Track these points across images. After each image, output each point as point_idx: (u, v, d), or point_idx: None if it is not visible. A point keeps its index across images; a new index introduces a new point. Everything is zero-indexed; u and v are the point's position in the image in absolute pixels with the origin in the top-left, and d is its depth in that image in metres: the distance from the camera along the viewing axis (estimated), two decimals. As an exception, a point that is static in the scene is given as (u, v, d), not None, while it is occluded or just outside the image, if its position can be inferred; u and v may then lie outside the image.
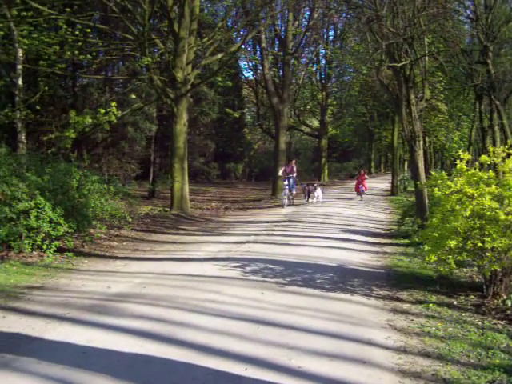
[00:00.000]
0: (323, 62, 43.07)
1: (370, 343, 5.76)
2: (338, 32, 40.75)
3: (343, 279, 8.85)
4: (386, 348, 5.65)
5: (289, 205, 22.63)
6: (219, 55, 21.20)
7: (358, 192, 27.36)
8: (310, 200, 24.21)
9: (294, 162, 23.82)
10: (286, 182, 22.55)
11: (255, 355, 5.29)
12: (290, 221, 17.35)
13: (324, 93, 43.06)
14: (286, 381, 4.73)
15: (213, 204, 24.54)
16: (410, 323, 6.53)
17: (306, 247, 12.05)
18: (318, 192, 24.56)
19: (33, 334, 5.91)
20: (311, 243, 12.62)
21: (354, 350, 5.51)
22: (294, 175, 23.07)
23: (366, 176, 28.04)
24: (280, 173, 23.69)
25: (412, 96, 14.86)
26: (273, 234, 14.21)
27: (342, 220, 17.20)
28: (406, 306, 7.30)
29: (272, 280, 8.70)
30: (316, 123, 49.24)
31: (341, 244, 12.60)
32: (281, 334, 5.92)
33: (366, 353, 5.48)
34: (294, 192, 23.74)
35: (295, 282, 8.55)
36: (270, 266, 9.81)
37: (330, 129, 47.39)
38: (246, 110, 47.43)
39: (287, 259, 10.54)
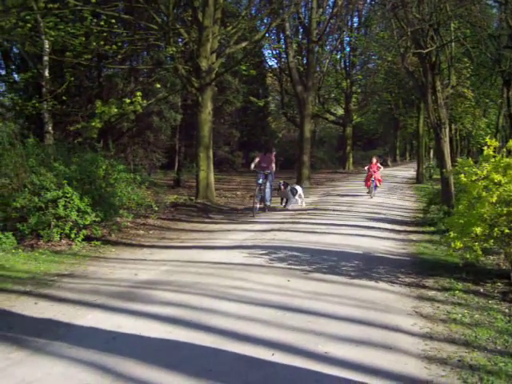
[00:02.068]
0: (348, 49, 42.84)
1: (395, 329, 5.78)
2: (363, 19, 40.49)
3: (369, 266, 8.85)
4: (412, 334, 5.66)
5: (263, 209, 16.96)
6: (243, 44, 21.16)
7: (369, 186, 21.50)
8: (286, 204, 17.96)
9: (273, 151, 18.16)
10: (260, 180, 16.68)
11: (282, 341, 5.34)
12: (315, 209, 17.37)
13: (348, 80, 42.82)
14: (313, 366, 4.77)
15: (238, 192, 24.58)
16: (435, 310, 6.52)
17: (331, 235, 12.05)
18: (296, 190, 18.29)
19: (64, 319, 6.03)
20: (336, 231, 12.62)
21: (379, 336, 5.54)
22: (272, 170, 17.51)
23: (379, 165, 22.24)
24: (252, 166, 17.53)
25: (438, 83, 14.73)
26: (298, 222, 14.23)
27: (367, 208, 17.15)
28: (431, 293, 7.28)
29: (297, 267, 8.74)
30: (340, 111, 49.05)
31: (366, 232, 12.58)
32: (307, 320, 5.97)
33: (392, 339, 5.49)
34: (269, 193, 17.27)
35: (321, 269, 8.57)
36: (296, 254, 9.84)
37: (355, 117, 47.13)
38: (271, 98, 47.30)
39: (312, 247, 10.56)
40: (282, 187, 17.67)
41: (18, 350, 5.14)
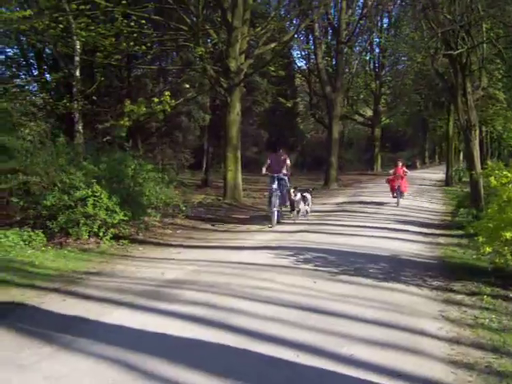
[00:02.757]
0: (377, 50, 42.65)
1: (422, 333, 5.72)
2: (393, 20, 40.22)
3: (396, 269, 8.78)
4: (438, 338, 5.60)
5: (280, 221, 14.51)
6: (272, 45, 21.17)
7: (394, 192, 19.09)
8: (294, 212, 15.22)
9: (282, 151, 15.48)
10: (275, 186, 14.27)
11: (307, 342, 5.32)
12: (343, 210, 17.30)
13: (378, 82, 42.64)
14: (338, 368, 4.75)
15: (265, 193, 24.55)
16: (463, 314, 6.44)
17: (359, 237, 11.99)
18: (307, 198, 15.53)
19: (91, 317, 6.10)
20: (364, 233, 12.55)
21: (405, 340, 5.49)
22: (287, 173, 14.89)
23: (405, 170, 19.77)
24: (264, 170, 14.77)
25: (468, 84, 14.58)
26: (325, 224, 14.19)
27: (395, 210, 17.03)
28: (459, 297, 7.20)
29: (324, 269, 8.71)
30: (369, 112, 48.76)
31: (394, 234, 12.49)
32: (333, 322, 5.94)
33: (418, 343, 5.44)
34: (288, 202, 15.01)
35: (347, 272, 8.53)
36: (323, 255, 9.81)
37: (384, 118, 46.90)
38: (299, 99, 47.19)
39: (339, 248, 10.52)
40: (294, 195, 14.79)
41: (46, 346, 5.21)
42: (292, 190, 14.75)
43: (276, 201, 14.21)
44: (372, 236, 12.09)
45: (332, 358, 4.96)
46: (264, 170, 14.77)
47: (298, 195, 14.92)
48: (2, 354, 5.03)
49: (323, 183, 28.96)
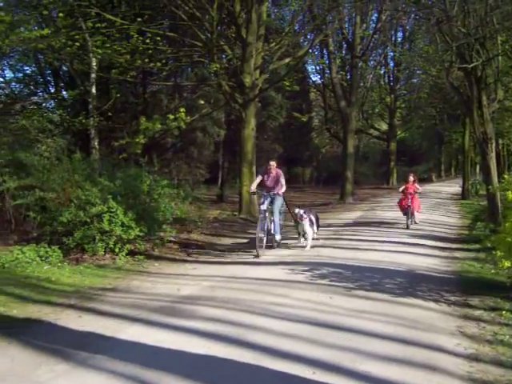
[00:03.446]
0: (391, 64, 42.67)
1: (439, 349, 5.64)
2: (407, 33, 40.19)
3: (412, 284, 8.70)
4: (456, 355, 5.51)
5: (270, 246, 12.56)
6: (287, 60, 21.25)
7: (405, 210, 16.94)
8: (302, 239, 13.05)
9: (273, 164, 12.94)
10: (264, 206, 12.26)
11: (323, 359, 5.27)
12: (359, 225, 17.23)
13: (392, 96, 42.60)
14: (355, 386, 4.70)
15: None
16: (481, 330, 6.35)
17: (375, 251, 11.92)
18: (308, 223, 12.86)
19: (106, 333, 6.09)
20: (380, 247, 12.48)
21: (422, 356, 5.41)
22: (280, 190, 12.58)
23: (417, 186, 17.85)
24: (252, 187, 13.24)
25: (484, 97, 14.51)
26: (341, 238, 14.14)
27: (411, 224, 16.91)
28: (477, 313, 7.10)
29: (340, 284, 8.65)
30: (384, 126, 48.69)
31: (410, 249, 12.41)
32: (349, 338, 5.89)
33: (436, 359, 5.36)
34: (278, 224, 12.51)
35: (363, 287, 8.47)
36: (339, 270, 9.75)
37: (399, 132, 46.81)
38: (314, 113, 47.29)
39: (355, 263, 10.46)
40: (300, 218, 12.72)
41: (62, 363, 5.20)
42: (297, 211, 12.91)
43: (264, 225, 12.15)
44: (388, 250, 12.02)
45: (348, 374, 4.90)
46: (253, 187, 13.06)
47: (306, 218, 12.76)
48: (19, 371, 5.03)
49: (339, 197, 28.91)
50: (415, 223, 17.03)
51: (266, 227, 12.25)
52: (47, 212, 11.28)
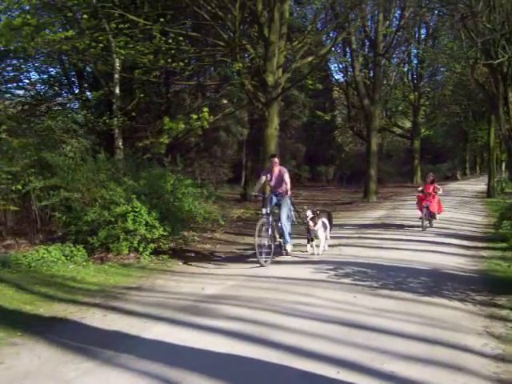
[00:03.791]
0: (415, 61, 42.31)
1: (465, 350, 5.58)
2: (431, 30, 39.87)
3: (437, 283, 8.63)
4: (483, 355, 5.44)
5: (278, 253, 11.39)
6: (309, 58, 21.18)
7: (421, 213, 15.67)
8: (311, 246, 11.67)
9: (276, 161, 11.88)
10: (267, 209, 11.08)
11: (347, 358, 5.25)
12: (382, 223, 17.13)
13: (416, 93, 42.26)
14: (379, 385, 4.68)
15: (304, 207, 24.45)
16: (509, 330, 6.26)
17: (399, 250, 11.86)
18: (320, 227, 11.54)
19: (131, 332, 6.14)
20: (404, 246, 12.40)
21: (448, 356, 5.36)
22: (286, 189, 11.50)
23: (437, 186, 16.39)
24: (256, 189, 12.32)
25: (510, 94, 14.37)
26: (365, 237, 14.07)
27: (436, 223, 16.76)
28: (504, 313, 7.01)
29: (364, 283, 8.61)
30: (408, 124, 48.37)
31: (434, 247, 12.31)
32: (373, 338, 5.86)
33: (462, 359, 5.30)
34: (288, 228, 11.33)
35: (388, 286, 8.42)
36: (363, 269, 9.71)
37: (423, 129, 46.44)
38: (337, 112, 47.14)
39: (379, 262, 10.41)
40: (311, 223, 11.35)
41: (87, 361, 5.25)
42: (308, 213, 11.56)
43: (268, 231, 10.86)
44: (412, 249, 11.93)
45: (373, 374, 4.87)
46: (257, 190, 12.11)
47: (319, 222, 11.52)
48: (45, 369, 5.09)
49: (362, 196, 28.77)
50: (430, 221, 15.98)
51: (270, 233, 10.86)
52: (72, 212, 11.38)
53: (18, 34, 12.64)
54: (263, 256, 10.50)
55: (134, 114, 18.55)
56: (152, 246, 11.07)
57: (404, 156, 54.63)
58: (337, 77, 41.19)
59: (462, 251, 12.02)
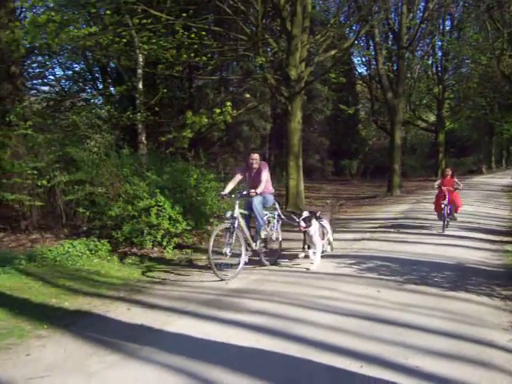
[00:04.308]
0: (439, 54, 41.81)
1: (490, 345, 5.52)
2: (455, 22, 39.37)
3: (462, 278, 8.55)
4: (509, 351, 5.38)
5: (257, 262, 9.91)
6: (332, 52, 21.07)
7: (439, 211, 14.44)
8: (306, 251, 10.02)
9: (256, 156, 10.13)
10: (232, 212, 9.32)
11: (371, 353, 5.23)
12: (406, 217, 17.02)
13: (440, 86, 41.80)
14: (403, 380, 4.63)
15: (328, 201, 24.42)
16: (535, 325, 6.21)
17: (423, 244, 11.77)
18: (316, 232, 9.71)
19: (155, 325, 6.18)
20: (428, 240, 12.31)
21: (473, 352, 5.31)
22: (265, 188, 9.90)
23: (456, 180, 14.94)
24: (227, 189, 9.89)
25: (536, 86, 14.14)
26: (388, 231, 13.99)
27: (460, 217, 16.60)
28: (531, 308, 6.94)
29: (388, 278, 8.57)
30: (432, 117, 47.92)
31: (458, 242, 12.19)
32: (397, 333, 5.83)
33: (487, 355, 5.24)
34: (262, 234, 9.84)
35: (412, 280, 8.37)
36: (386, 264, 9.66)
37: (448, 123, 45.95)
38: (360, 105, 46.86)
39: (403, 257, 10.35)
40: (303, 224, 9.61)
41: (112, 354, 5.31)
42: (305, 214, 9.86)
43: (232, 238, 9.06)
44: (436, 243, 11.85)
45: (397, 369, 4.85)
46: (227, 190, 9.86)
47: (314, 225, 9.67)
48: (70, 361, 5.15)
49: (386, 190, 28.60)
50: (449, 221, 14.49)
51: (233, 240, 9.05)
52: (96, 206, 11.47)
53: (42, 31, 12.75)
54: (223, 268, 8.89)
55: (157, 108, 18.64)
56: (175, 240, 11.11)
57: (428, 150, 54.16)
58: (360, 70, 41.02)
59: (486, 245, 11.89)
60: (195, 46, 17.58)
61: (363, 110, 49.18)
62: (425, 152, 55.34)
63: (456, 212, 15.02)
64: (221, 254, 8.97)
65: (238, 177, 10.25)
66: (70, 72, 23.97)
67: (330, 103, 34.81)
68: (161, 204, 10.88)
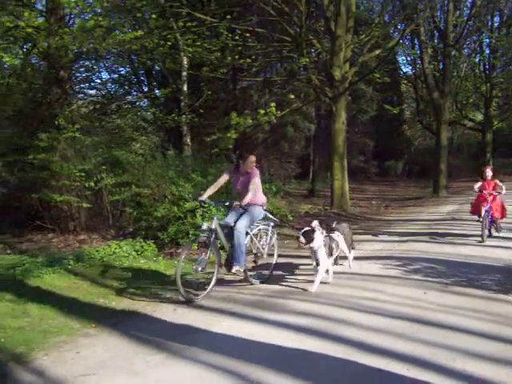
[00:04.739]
0: (487, 51, 40.97)
1: (541, 349, 5.40)
2: (505, 18, 38.55)
3: (510, 280, 8.36)
4: (560, 356, 5.26)
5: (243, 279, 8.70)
6: (377, 51, 20.91)
7: (479, 214, 12.56)
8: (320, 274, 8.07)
9: (254, 159, 8.59)
10: (209, 224, 8.13)
11: (417, 355, 5.16)
12: (452, 219, 16.75)
13: (488, 84, 40.98)
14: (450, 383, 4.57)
15: (373, 202, 24.24)
16: None
17: (470, 246, 11.56)
18: (322, 248, 8.09)
19: (200, 326, 6.24)
20: (474, 242, 12.07)
21: (524, 356, 5.20)
22: (255, 198, 8.49)
23: (498, 184, 12.89)
24: (205, 195, 8.43)
25: None
26: (434, 233, 13.79)
27: (509, 218, 16.25)
28: None
29: (434, 280, 8.45)
30: (479, 117, 47.02)
31: (506, 243, 11.91)
32: (443, 335, 5.74)
33: (538, 360, 5.13)
34: (243, 240, 8.26)
35: (459, 283, 8.22)
36: (432, 265, 9.52)
37: (496, 122, 45.02)
38: (405, 105, 46.30)
39: (449, 258, 10.18)
40: (302, 240, 8.09)
41: (157, 353, 5.37)
42: (314, 224, 8.32)
43: (206, 254, 7.90)
44: (484, 245, 11.62)
45: (443, 372, 4.77)
46: (207, 193, 8.46)
47: (318, 239, 8.07)
48: (118, 360, 5.24)
49: (432, 191, 28.24)
50: (497, 231, 12.88)
51: (208, 257, 7.91)
52: (142, 207, 11.64)
53: (90, 36, 12.99)
54: (184, 294, 7.34)
55: (201, 110, 18.79)
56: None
57: (475, 150, 53.18)
58: (405, 70, 40.44)
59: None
60: (239, 48, 17.69)
61: (408, 110, 48.57)
62: (472, 152, 54.35)
63: (502, 218, 12.96)
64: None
65: (224, 179, 8.74)
66: (116, 75, 24.40)
67: (374, 103, 34.45)
68: (206, 206, 10.95)
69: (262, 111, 16.72)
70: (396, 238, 13.06)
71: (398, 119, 42.39)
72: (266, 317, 6.54)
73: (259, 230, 8.81)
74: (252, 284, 8.48)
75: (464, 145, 55.44)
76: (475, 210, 12.90)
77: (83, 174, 12.29)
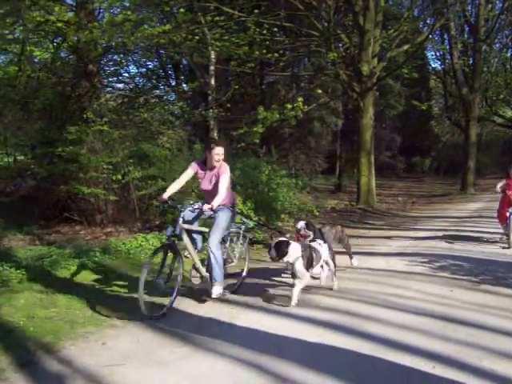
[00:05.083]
0: (520, 45, 40.39)
1: None
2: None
3: (540, 279, 8.26)
4: None
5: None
6: (405, 47, 20.74)
7: (504, 223, 11.62)
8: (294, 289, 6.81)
9: (221, 151, 7.07)
10: (170, 230, 6.99)
11: (443, 353, 5.10)
12: (480, 216, 16.57)
13: (520, 80, 40.42)
14: (477, 383, 4.50)
15: (399, 198, 24.09)
16: None
17: (496, 244, 11.46)
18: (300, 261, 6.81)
19: (225, 319, 6.26)
20: (500, 240, 11.93)
21: (552, 355, 5.11)
22: (218, 199, 6.87)
23: None
24: (167, 191, 7.28)
25: None
26: (461, 230, 13.67)
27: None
28: None
29: (461, 277, 8.36)
30: (510, 113, 46.40)
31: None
32: (470, 334, 5.67)
33: None
34: (219, 257, 7.03)
35: (487, 281, 8.12)
36: (459, 263, 9.44)
37: (526, 118, 44.38)
38: (434, 101, 45.85)
39: (477, 256, 10.08)
40: (273, 253, 6.88)
41: (183, 346, 5.40)
42: (275, 242, 7.07)
43: (173, 262, 6.95)
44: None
45: (470, 371, 4.70)
46: (169, 191, 7.33)
47: (294, 252, 6.85)
48: (143, 351, 5.28)
49: (459, 188, 27.96)
50: None
51: (174, 264, 6.97)
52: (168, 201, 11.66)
53: (119, 30, 13.06)
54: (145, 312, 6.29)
55: (228, 105, 18.80)
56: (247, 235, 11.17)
57: (506, 146, 52.45)
58: (434, 65, 39.98)
59: None
60: (267, 43, 17.65)
61: (436, 106, 48.09)
62: (502, 149, 53.64)
63: None
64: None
65: (188, 175, 7.44)
66: (144, 69, 24.49)
67: (402, 99, 34.22)
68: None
69: (290, 106, 16.68)
70: (422, 235, 12.96)
71: (426, 115, 41.99)
72: (292, 311, 6.52)
73: (229, 233, 7.74)
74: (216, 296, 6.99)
75: (493, 141, 54.74)
76: (501, 218, 11.85)
77: (110, 167, 12.37)
